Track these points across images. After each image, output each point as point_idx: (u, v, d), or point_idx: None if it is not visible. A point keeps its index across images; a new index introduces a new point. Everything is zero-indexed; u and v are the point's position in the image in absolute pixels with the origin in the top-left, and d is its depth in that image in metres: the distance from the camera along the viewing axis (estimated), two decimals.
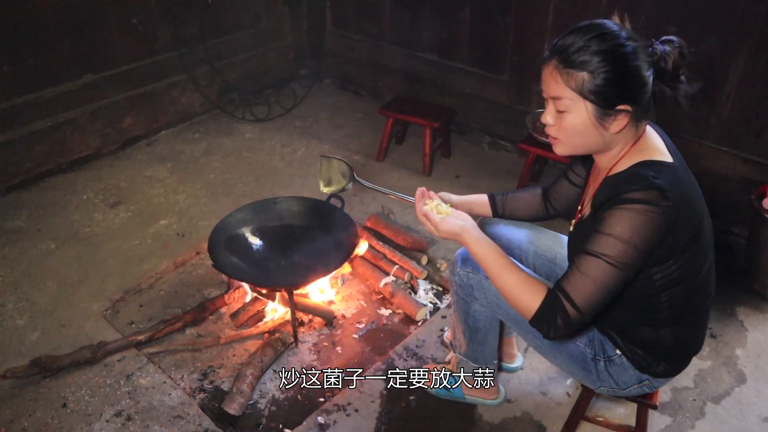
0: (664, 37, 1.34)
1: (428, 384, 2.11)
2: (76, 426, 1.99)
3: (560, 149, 1.43)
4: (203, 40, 3.67)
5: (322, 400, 2.10)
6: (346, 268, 2.62)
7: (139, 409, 2.04)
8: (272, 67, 4.21)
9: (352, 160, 3.52)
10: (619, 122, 1.34)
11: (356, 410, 2.06)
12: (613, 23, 1.34)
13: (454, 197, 1.84)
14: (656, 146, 1.39)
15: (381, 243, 2.71)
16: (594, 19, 1.35)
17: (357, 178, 2.08)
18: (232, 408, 2.00)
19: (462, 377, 2.01)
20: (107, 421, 2.00)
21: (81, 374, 2.16)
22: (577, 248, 1.36)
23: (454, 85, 3.65)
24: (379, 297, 2.54)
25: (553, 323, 1.35)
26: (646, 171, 1.30)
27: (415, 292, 2.56)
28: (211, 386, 2.14)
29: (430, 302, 2.52)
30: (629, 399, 1.74)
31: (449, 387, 2.06)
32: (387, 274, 2.55)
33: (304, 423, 2.01)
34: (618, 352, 1.58)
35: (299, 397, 2.12)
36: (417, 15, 3.64)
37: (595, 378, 1.62)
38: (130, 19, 3.36)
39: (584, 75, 1.30)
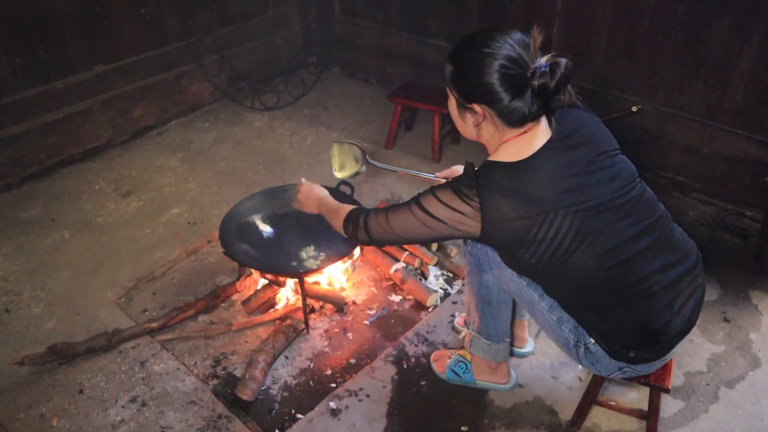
0: (550, 60, 1.36)
1: (439, 369, 2.12)
2: (92, 412, 2.02)
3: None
4: (211, 29, 3.67)
5: (333, 385, 2.12)
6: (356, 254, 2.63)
7: (154, 395, 2.07)
8: (281, 56, 4.20)
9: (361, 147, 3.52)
10: (475, 119, 1.47)
11: (368, 395, 2.07)
12: (505, 34, 1.39)
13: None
14: (524, 145, 1.44)
15: None
16: (494, 26, 1.43)
17: (370, 160, 2.09)
18: (245, 394, 2.02)
19: (474, 359, 2.03)
20: (122, 406, 2.03)
21: (96, 361, 2.19)
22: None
23: None
24: (389, 283, 2.55)
25: (356, 225, 1.69)
26: (483, 172, 1.45)
27: (426, 278, 2.56)
28: (223, 372, 2.17)
29: (441, 288, 2.52)
30: (641, 383, 1.73)
31: (459, 373, 2.07)
32: (397, 260, 2.56)
33: (316, 408, 2.03)
34: (592, 340, 1.59)
35: (311, 382, 2.13)
36: (425, 1, 3.61)
37: (583, 362, 1.66)
38: (139, 10, 3.37)
39: (451, 68, 1.47)
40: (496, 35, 1.39)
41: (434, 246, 2.70)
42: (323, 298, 2.41)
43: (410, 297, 2.48)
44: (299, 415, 2.01)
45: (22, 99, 3.06)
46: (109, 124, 3.43)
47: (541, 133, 1.46)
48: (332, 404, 2.04)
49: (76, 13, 3.12)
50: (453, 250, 2.69)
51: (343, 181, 2.46)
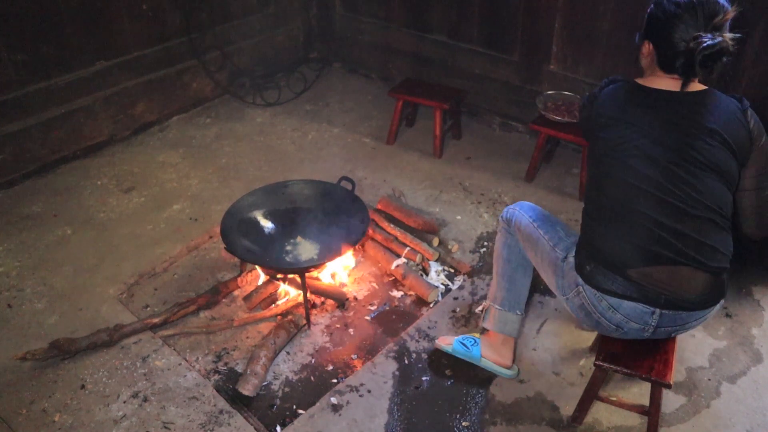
0: (716, 38, 1.51)
1: (446, 344, 2.14)
2: (94, 407, 2.03)
3: None
4: (213, 25, 3.66)
5: (334, 381, 2.12)
6: (357, 249, 2.63)
7: (156, 391, 2.08)
8: (282, 52, 4.19)
9: (362, 143, 3.52)
10: (642, 52, 1.68)
11: (369, 391, 2.08)
12: None
13: None
14: (657, 81, 1.65)
15: (392, 225, 2.71)
16: None
17: None
18: (247, 389, 2.02)
19: (483, 337, 2.12)
20: (124, 402, 2.04)
21: (98, 356, 2.19)
22: None
23: (464, 66, 3.62)
24: (390, 279, 2.55)
25: None
26: (615, 77, 1.75)
27: (427, 274, 2.56)
28: (225, 368, 2.17)
29: (442, 284, 2.52)
30: (642, 378, 1.73)
31: (468, 345, 2.10)
32: (398, 256, 2.56)
33: (318, 404, 2.03)
34: (572, 253, 1.77)
35: (312, 378, 2.14)
36: None
37: (559, 283, 1.81)
38: (140, 6, 3.36)
39: (652, 7, 1.66)
40: None
41: (435, 241, 2.70)
42: (324, 293, 2.41)
43: (411, 293, 2.48)
44: (300, 411, 2.02)
45: (24, 95, 3.06)
46: (111, 120, 3.43)
47: (671, 83, 1.63)
48: (333, 399, 2.05)
49: (77, 9, 3.12)
50: (454, 246, 2.69)
51: (344, 178, 2.47)
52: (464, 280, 2.54)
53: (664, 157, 1.58)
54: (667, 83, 1.63)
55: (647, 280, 1.61)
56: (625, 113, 1.64)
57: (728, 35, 1.52)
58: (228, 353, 2.23)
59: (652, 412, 1.83)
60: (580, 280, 1.72)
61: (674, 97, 1.62)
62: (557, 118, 2.93)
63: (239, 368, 2.16)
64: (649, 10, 1.66)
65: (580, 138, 2.87)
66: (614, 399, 1.95)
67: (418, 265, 2.59)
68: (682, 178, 1.57)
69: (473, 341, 2.12)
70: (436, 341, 2.20)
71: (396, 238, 2.64)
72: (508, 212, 2.04)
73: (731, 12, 1.53)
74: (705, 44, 1.49)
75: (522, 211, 2.00)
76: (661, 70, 1.65)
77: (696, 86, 1.63)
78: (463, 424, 1.97)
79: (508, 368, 2.10)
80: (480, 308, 2.24)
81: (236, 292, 2.47)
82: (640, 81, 1.69)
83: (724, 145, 1.58)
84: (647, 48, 1.66)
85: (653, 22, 1.63)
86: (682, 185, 1.57)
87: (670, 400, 2.04)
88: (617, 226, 1.64)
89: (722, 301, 1.69)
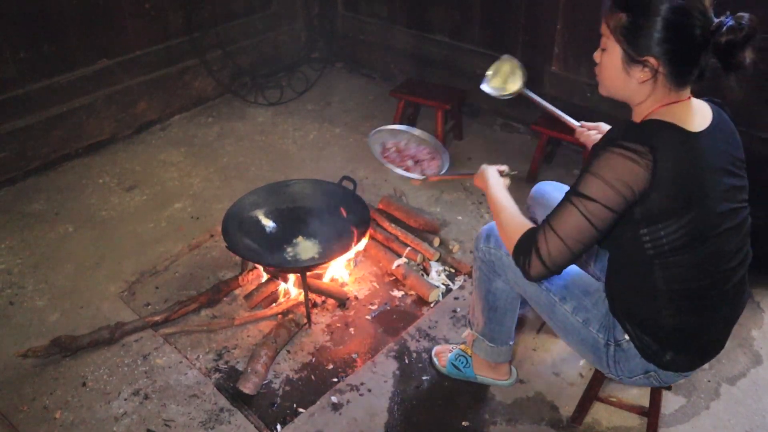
0: (736, 14, 1.28)
1: (441, 363, 2.13)
2: (95, 404, 2.03)
3: (600, 89, 1.47)
4: (215, 24, 3.67)
5: (335, 380, 2.12)
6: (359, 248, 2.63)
7: (156, 388, 2.08)
8: (284, 51, 4.20)
9: (364, 142, 3.52)
10: (643, 74, 1.33)
11: (369, 390, 2.08)
12: None
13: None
14: (686, 114, 1.34)
15: (393, 225, 2.71)
16: None
17: (527, 90, 2.00)
18: (247, 387, 2.02)
19: (475, 355, 2.03)
20: (125, 399, 2.05)
21: (99, 354, 2.20)
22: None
23: (466, 66, 3.62)
24: (391, 279, 2.55)
25: (528, 258, 1.41)
26: (650, 127, 1.32)
27: (428, 274, 2.57)
28: (226, 366, 2.17)
29: (443, 284, 2.53)
30: None
31: (460, 367, 2.07)
32: (399, 255, 2.56)
33: (318, 402, 2.04)
34: (626, 337, 1.55)
35: (313, 376, 2.14)
36: None
37: (605, 364, 1.61)
38: (143, 5, 3.37)
39: (623, 15, 1.32)
40: None
41: (436, 241, 2.70)
42: (325, 292, 2.41)
43: (412, 292, 2.48)
44: (301, 409, 2.02)
45: (27, 93, 3.07)
46: (113, 119, 3.44)
47: (701, 110, 1.37)
48: (334, 398, 2.05)
49: (80, 8, 3.12)
50: (455, 246, 2.69)
51: (345, 177, 2.47)
52: (465, 280, 2.54)
53: (727, 220, 1.36)
54: (697, 108, 1.36)
55: (723, 339, 1.57)
56: (695, 188, 1.30)
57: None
58: (229, 351, 2.23)
59: (651, 413, 1.83)
60: (653, 366, 1.53)
61: (717, 131, 1.35)
62: (398, 170, 2.05)
63: (240, 367, 2.17)
64: (627, 20, 1.32)
65: None
66: (614, 400, 1.95)
67: (418, 265, 2.60)
68: (740, 230, 1.44)
69: (465, 362, 2.06)
70: (433, 351, 2.18)
71: (397, 238, 2.65)
72: (491, 254, 1.74)
73: None
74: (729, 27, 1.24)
75: (508, 258, 1.64)
76: (674, 90, 1.34)
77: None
78: (463, 423, 1.97)
79: (506, 380, 2.09)
80: (465, 335, 2.06)
81: (237, 291, 2.47)
82: (668, 120, 1.32)
83: (745, 167, 1.45)
84: (654, 65, 1.32)
85: (650, 28, 1.29)
86: (741, 237, 1.45)
87: (670, 401, 2.04)
88: (700, 309, 1.45)
89: None
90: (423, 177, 1.99)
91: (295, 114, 3.83)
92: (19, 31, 2.95)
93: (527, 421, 1.98)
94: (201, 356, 2.21)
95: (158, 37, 3.52)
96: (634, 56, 1.33)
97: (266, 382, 2.11)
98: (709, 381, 2.11)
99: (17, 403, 2.03)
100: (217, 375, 2.14)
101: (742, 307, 1.58)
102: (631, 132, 1.32)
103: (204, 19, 3.63)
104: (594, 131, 1.85)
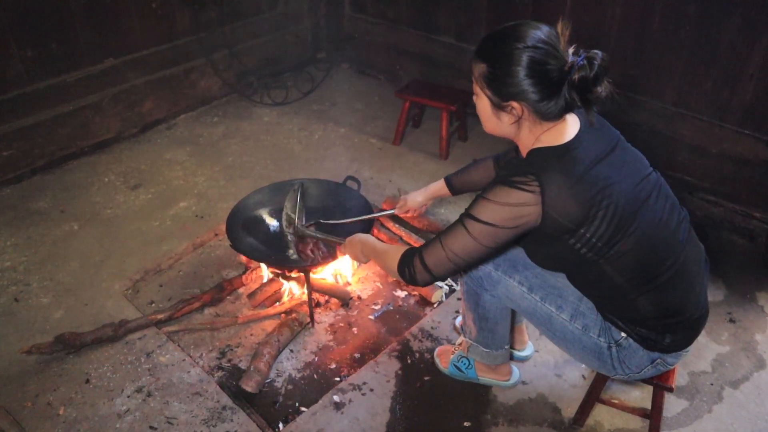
0: (587, 52, 1.35)
1: (443, 365, 2.13)
2: (98, 401, 2.04)
3: (484, 128, 1.54)
4: (221, 24, 3.68)
5: (337, 379, 2.13)
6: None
7: (159, 386, 2.09)
8: (290, 51, 4.21)
9: (369, 143, 3.53)
10: (511, 117, 1.43)
11: (371, 389, 2.08)
12: (535, 28, 1.36)
13: (417, 195, 2.11)
14: (559, 134, 1.43)
15: (397, 225, 2.72)
16: (523, 21, 1.40)
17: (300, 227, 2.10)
18: (250, 386, 2.03)
19: (473, 359, 2.03)
20: (128, 396, 2.05)
21: (103, 351, 2.21)
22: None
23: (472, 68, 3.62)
24: (394, 279, 2.55)
25: (412, 266, 1.53)
26: (533, 158, 1.42)
27: None
28: (228, 364, 2.18)
29: (446, 284, 2.53)
30: (645, 381, 1.73)
31: (462, 368, 2.07)
32: None
33: (320, 401, 2.04)
34: (623, 334, 1.58)
35: (315, 376, 2.15)
36: None
37: (611, 367, 1.62)
38: (150, 4, 3.39)
39: (483, 66, 1.40)
40: (527, 29, 1.36)
41: None
42: (329, 292, 2.42)
43: (415, 293, 2.49)
44: (303, 408, 2.03)
45: (34, 91, 3.09)
46: (119, 118, 3.46)
47: (573, 121, 1.46)
48: (336, 398, 2.05)
49: (87, 6, 3.14)
50: None
51: (350, 177, 2.48)
52: None
53: (641, 193, 1.45)
54: (570, 123, 1.45)
55: (702, 302, 1.61)
56: (587, 189, 1.38)
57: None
58: (232, 350, 2.24)
59: (653, 416, 1.83)
60: (657, 354, 1.58)
61: (589, 130, 1.47)
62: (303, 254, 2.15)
63: (243, 365, 2.17)
64: (486, 70, 1.39)
65: None
66: (616, 402, 1.95)
67: None
68: (660, 195, 1.52)
69: (467, 363, 2.07)
70: (435, 352, 2.19)
71: (401, 239, 2.65)
72: (479, 270, 1.77)
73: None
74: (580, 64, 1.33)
75: (503, 274, 1.71)
76: (547, 122, 1.42)
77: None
78: (465, 424, 1.97)
79: (508, 380, 2.09)
80: (459, 342, 2.07)
81: (241, 290, 2.48)
82: (544, 145, 1.42)
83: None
84: (517, 109, 1.40)
85: (507, 77, 1.36)
86: (662, 200, 1.52)
87: (672, 404, 2.04)
88: (666, 286, 1.50)
89: None
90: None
91: (300, 114, 3.84)
92: (27, 30, 2.97)
93: (529, 422, 1.98)
94: (204, 354, 2.22)
95: (165, 36, 3.53)
96: (498, 103, 1.41)
97: (269, 380, 2.12)
98: (712, 384, 2.11)
99: (21, 399, 2.04)
100: (220, 373, 2.15)
101: (705, 262, 1.62)
102: (517, 167, 1.43)
103: (210, 19, 3.65)
104: (408, 209, 2.13)
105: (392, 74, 4.14)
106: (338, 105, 3.96)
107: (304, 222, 2.13)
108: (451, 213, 2.94)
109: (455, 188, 2.05)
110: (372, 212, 2.34)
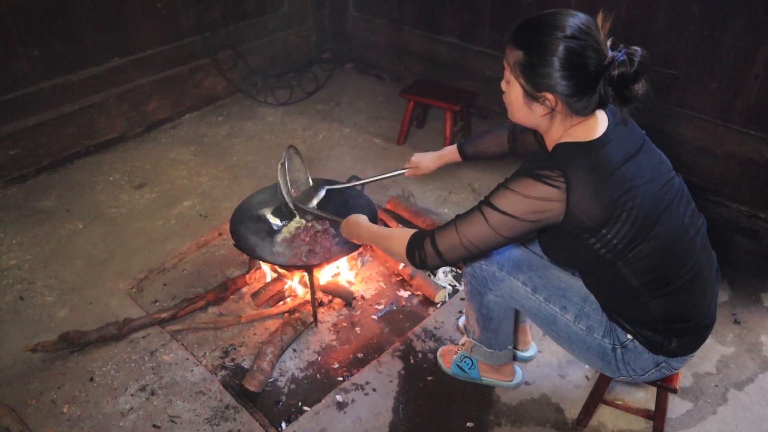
0: (627, 48, 1.33)
1: (446, 365, 2.12)
2: (102, 399, 2.05)
3: (509, 116, 1.50)
4: (226, 24, 3.69)
5: (340, 379, 2.13)
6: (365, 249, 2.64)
7: (163, 385, 2.10)
8: (294, 51, 4.22)
9: (372, 143, 3.53)
10: (543, 108, 1.39)
11: (374, 389, 2.08)
12: (575, 17, 1.33)
13: (430, 157, 2.14)
14: (588, 130, 1.40)
15: (401, 225, 2.71)
16: (562, 9, 1.36)
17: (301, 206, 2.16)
18: (253, 385, 2.03)
19: (476, 360, 2.03)
20: (132, 395, 2.06)
21: (107, 350, 2.22)
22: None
23: (475, 68, 3.62)
24: (398, 279, 2.55)
25: (422, 249, 1.51)
26: (560, 153, 1.39)
27: (434, 275, 2.57)
28: (232, 364, 2.18)
29: (449, 284, 2.53)
30: (649, 383, 1.73)
31: (465, 369, 2.07)
32: None
33: (323, 401, 2.04)
34: (629, 336, 1.57)
35: (318, 375, 2.15)
36: None
37: (615, 368, 1.62)
38: (155, 4, 3.40)
39: (519, 54, 1.36)
40: (568, 18, 1.32)
41: None
42: (332, 292, 2.42)
43: (419, 293, 2.49)
44: (306, 408, 2.03)
45: (39, 91, 3.10)
46: (124, 117, 3.47)
47: (602, 117, 1.43)
48: (339, 397, 2.05)
49: (93, 6, 3.15)
50: None
51: (353, 177, 2.48)
52: None
53: (665, 196, 1.43)
54: (600, 119, 1.43)
55: (712, 310, 1.60)
56: (614, 187, 1.36)
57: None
58: (235, 349, 2.24)
59: (657, 417, 1.82)
60: (662, 357, 1.57)
61: (618, 127, 1.46)
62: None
63: (246, 364, 2.18)
64: (522, 58, 1.36)
65: None
66: (620, 403, 1.95)
67: None
68: (682, 200, 1.50)
69: (470, 363, 2.06)
70: (439, 352, 2.18)
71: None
72: (482, 270, 1.76)
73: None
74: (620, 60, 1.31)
75: (507, 275, 1.71)
76: (578, 117, 1.40)
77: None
78: (468, 424, 1.97)
79: (511, 381, 2.08)
80: (462, 342, 2.06)
81: (244, 289, 2.48)
82: (572, 140, 1.39)
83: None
84: (551, 101, 1.36)
85: (544, 67, 1.33)
86: (684, 205, 1.51)
87: (676, 405, 2.03)
88: (680, 291, 1.48)
89: None
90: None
91: (304, 114, 3.85)
92: (33, 29, 2.98)
93: (532, 423, 1.98)
94: (207, 353, 2.22)
95: (170, 36, 3.54)
96: (532, 92, 1.38)
97: (272, 380, 2.12)
98: (716, 386, 2.10)
99: (26, 397, 2.05)
100: (223, 372, 2.15)
101: (717, 270, 1.62)
102: (544, 161, 1.40)
103: (215, 19, 3.66)
104: (419, 170, 2.17)
105: (396, 74, 4.15)
106: (342, 105, 3.96)
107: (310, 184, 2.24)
108: (455, 213, 2.93)
109: (467, 155, 2.08)
110: (374, 208, 2.34)
